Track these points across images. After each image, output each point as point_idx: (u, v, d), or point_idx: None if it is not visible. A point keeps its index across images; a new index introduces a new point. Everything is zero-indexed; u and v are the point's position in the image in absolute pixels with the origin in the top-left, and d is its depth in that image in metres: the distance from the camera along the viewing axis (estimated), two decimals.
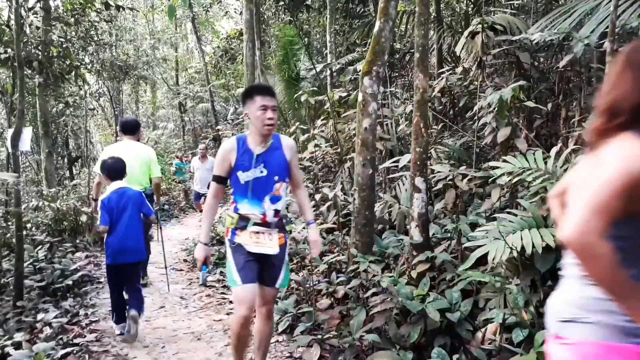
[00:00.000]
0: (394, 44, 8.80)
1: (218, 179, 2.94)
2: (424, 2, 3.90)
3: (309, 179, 6.31)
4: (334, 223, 5.23)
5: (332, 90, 8.08)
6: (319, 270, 4.61)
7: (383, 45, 4.39)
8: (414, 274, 3.82)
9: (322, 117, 7.44)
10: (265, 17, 13.68)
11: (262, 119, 2.79)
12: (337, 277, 4.34)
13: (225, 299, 5.09)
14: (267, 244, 2.89)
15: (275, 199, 2.91)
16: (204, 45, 19.77)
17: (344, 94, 7.04)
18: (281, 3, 11.74)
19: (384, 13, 4.43)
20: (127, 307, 4.10)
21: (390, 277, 3.62)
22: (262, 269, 2.93)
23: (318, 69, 8.75)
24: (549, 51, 5.67)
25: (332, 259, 4.54)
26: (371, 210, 4.53)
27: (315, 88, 9.29)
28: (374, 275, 3.77)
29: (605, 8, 5.23)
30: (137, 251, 4.12)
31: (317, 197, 5.67)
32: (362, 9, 11.74)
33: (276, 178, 2.91)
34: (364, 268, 3.86)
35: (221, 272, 6.03)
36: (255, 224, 2.88)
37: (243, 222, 2.88)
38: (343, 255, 4.56)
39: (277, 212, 2.92)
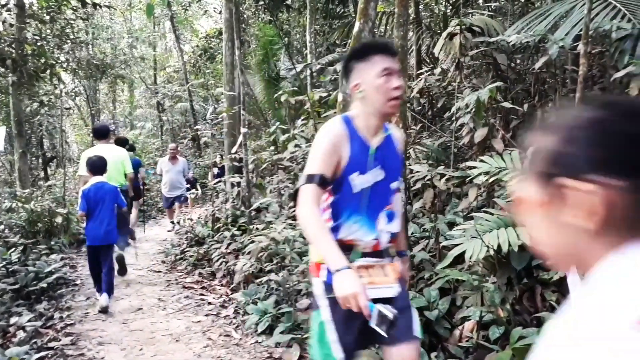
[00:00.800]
0: None
1: (321, 181, 1.84)
2: (403, 3, 3.92)
3: (289, 179, 6.29)
4: None
5: (312, 90, 8.08)
6: (298, 271, 4.60)
7: None
8: None
9: (302, 117, 7.44)
10: (245, 16, 13.61)
11: (385, 89, 1.85)
12: None
13: (203, 300, 5.05)
14: (384, 281, 1.86)
15: (391, 216, 2.00)
16: (182, 44, 19.58)
17: (324, 94, 7.05)
18: (261, 2, 11.69)
19: (364, 14, 4.44)
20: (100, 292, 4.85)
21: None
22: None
23: (298, 69, 8.74)
24: (525, 53, 5.77)
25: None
26: None
27: (295, 88, 9.29)
28: None
29: (579, 11, 5.34)
30: (111, 236, 4.92)
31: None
32: (342, 10, 11.78)
33: (394, 185, 2.02)
34: None
35: (200, 273, 5.98)
36: (364, 254, 1.92)
37: (345, 252, 1.77)
38: None
39: (393, 235, 2.01)
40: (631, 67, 3.68)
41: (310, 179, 1.83)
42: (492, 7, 8.30)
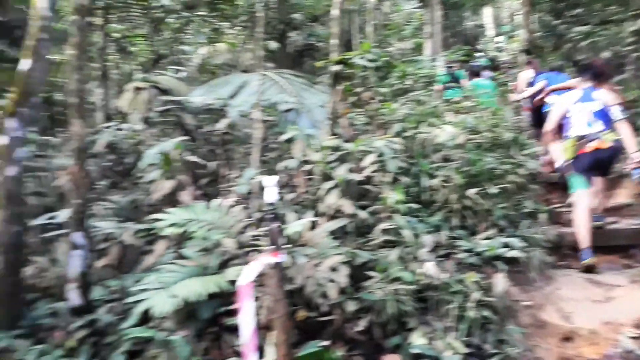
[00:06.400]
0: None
1: None
2: (80, 46, 3.71)
3: None
4: None
5: None
6: None
7: (33, 86, 3.94)
8: (72, 342, 3.36)
9: None
10: None
11: None
12: None
13: None
14: None
15: None
16: None
17: None
18: None
19: (34, 52, 4.01)
20: None
21: (35, 349, 3.10)
22: None
23: None
24: (211, 115, 6.20)
25: None
26: (18, 276, 3.82)
27: None
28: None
29: (253, 84, 6.12)
30: None
31: None
32: (15, 54, 10.36)
33: None
34: (5, 345, 3.19)
35: None
36: None
37: None
38: None
39: None
40: (292, 132, 4.37)
41: None
42: (178, 72, 8.68)
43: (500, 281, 3.35)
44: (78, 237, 3.60)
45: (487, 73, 10.55)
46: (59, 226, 4.58)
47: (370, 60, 5.48)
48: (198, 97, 5.57)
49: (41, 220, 4.82)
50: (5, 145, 3.70)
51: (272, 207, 2.37)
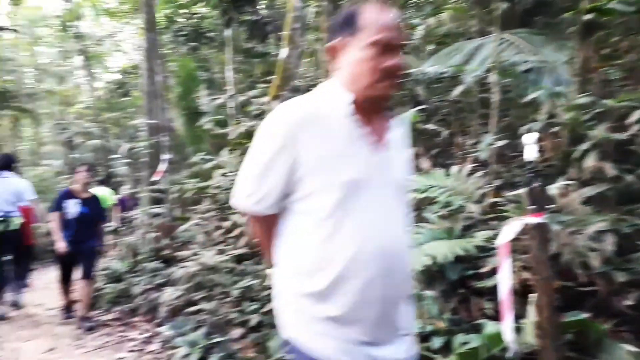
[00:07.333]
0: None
1: None
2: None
3: (217, 209, 6.10)
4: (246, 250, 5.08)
5: (237, 121, 8.02)
6: (230, 299, 4.41)
7: (290, 71, 4.49)
8: None
9: (228, 149, 7.32)
10: (164, 50, 13.37)
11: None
12: (250, 305, 4.18)
13: (125, 336, 4.65)
14: None
15: None
16: (94, 79, 18.71)
17: (250, 123, 7.02)
18: (181, 33, 11.60)
19: (291, 41, 4.56)
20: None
21: None
22: None
23: (222, 100, 8.69)
24: (442, 84, 6.16)
25: (243, 285, 4.38)
26: None
27: (219, 117, 9.19)
28: None
29: (486, 48, 5.83)
30: None
31: (226, 224, 5.48)
32: (262, 49, 11.93)
33: None
34: None
35: (120, 310, 5.53)
36: None
37: None
38: (256, 280, 4.42)
39: None
40: (536, 92, 4.04)
41: None
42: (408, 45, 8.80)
43: None
44: None
45: None
46: None
47: (629, 4, 4.68)
48: (430, 67, 5.57)
49: None
50: None
51: (532, 165, 2.26)
